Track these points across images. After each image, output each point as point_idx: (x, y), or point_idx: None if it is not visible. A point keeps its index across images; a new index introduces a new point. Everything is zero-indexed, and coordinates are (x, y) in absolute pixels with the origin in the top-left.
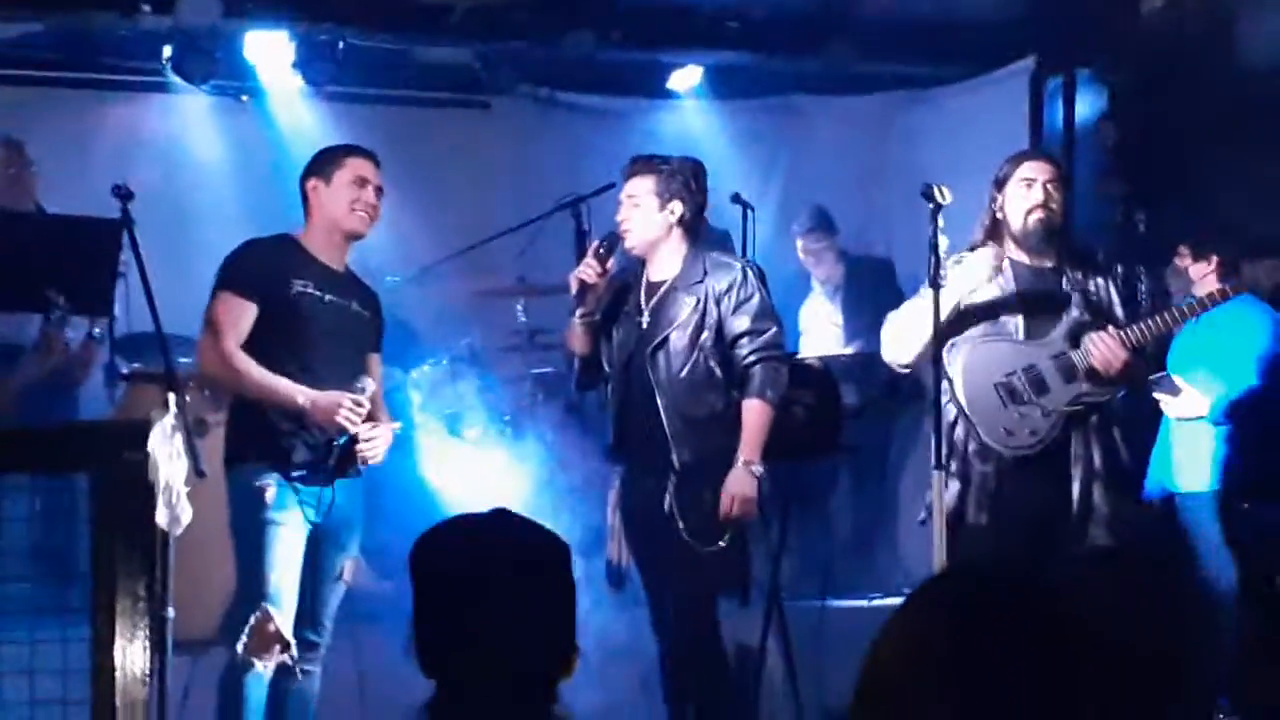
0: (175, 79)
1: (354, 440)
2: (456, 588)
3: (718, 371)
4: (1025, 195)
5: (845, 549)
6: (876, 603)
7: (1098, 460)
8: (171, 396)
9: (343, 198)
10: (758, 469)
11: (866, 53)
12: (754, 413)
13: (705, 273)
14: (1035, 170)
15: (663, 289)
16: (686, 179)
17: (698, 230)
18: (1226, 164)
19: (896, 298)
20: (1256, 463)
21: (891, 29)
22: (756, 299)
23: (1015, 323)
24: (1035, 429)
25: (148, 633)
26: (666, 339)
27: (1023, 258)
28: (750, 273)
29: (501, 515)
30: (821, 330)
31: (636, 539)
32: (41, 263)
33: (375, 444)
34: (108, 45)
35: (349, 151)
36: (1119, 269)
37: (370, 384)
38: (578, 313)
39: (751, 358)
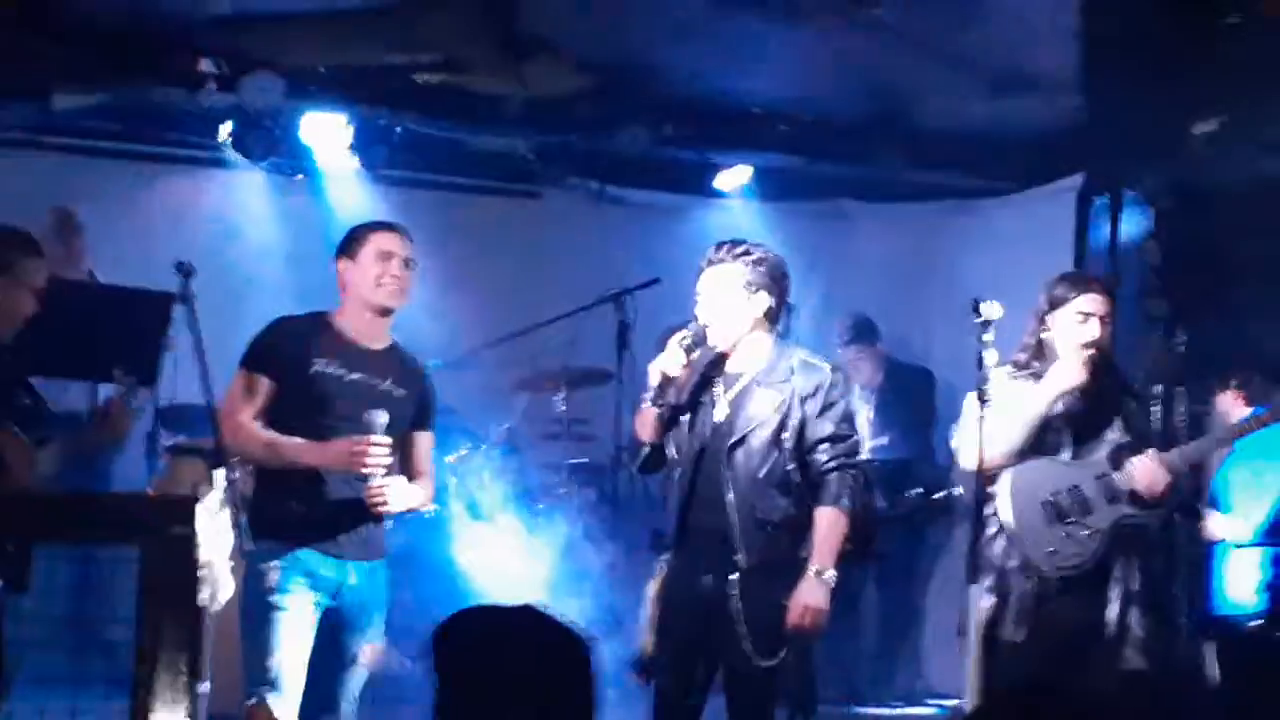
0: (234, 155)
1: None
2: (481, 681)
3: (795, 475)
4: (1080, 329)
5: (870, 656)
6: (899, 711)
7: (1135, 583)
8: (220, 472)
9: (369, 273)
10: (831, 577)
11: (915, 161)
12: (829, 520)
13: (792, 371)
14: (1094, 305)
15: (743, 382)
16: (773, 270)
17: (781, 324)
18: (1267, 290)
19: (933, 407)
20: None
21: (941, 139)
22: (842, 405)
23: (1061, 442)
24: (1081, 549)
25: (186, 706)
26: (746, 436)
27: None
28: (839, 377)
29: (529, 611)
30: (860, 434)
31: (680, 635)
32: (92, 331)
33: (386, 492)
34: (169, 119)
35: (374, 227)
36: (1158, 391)
37: (379, 418)
38: (653, 402)
39: (831, 464)
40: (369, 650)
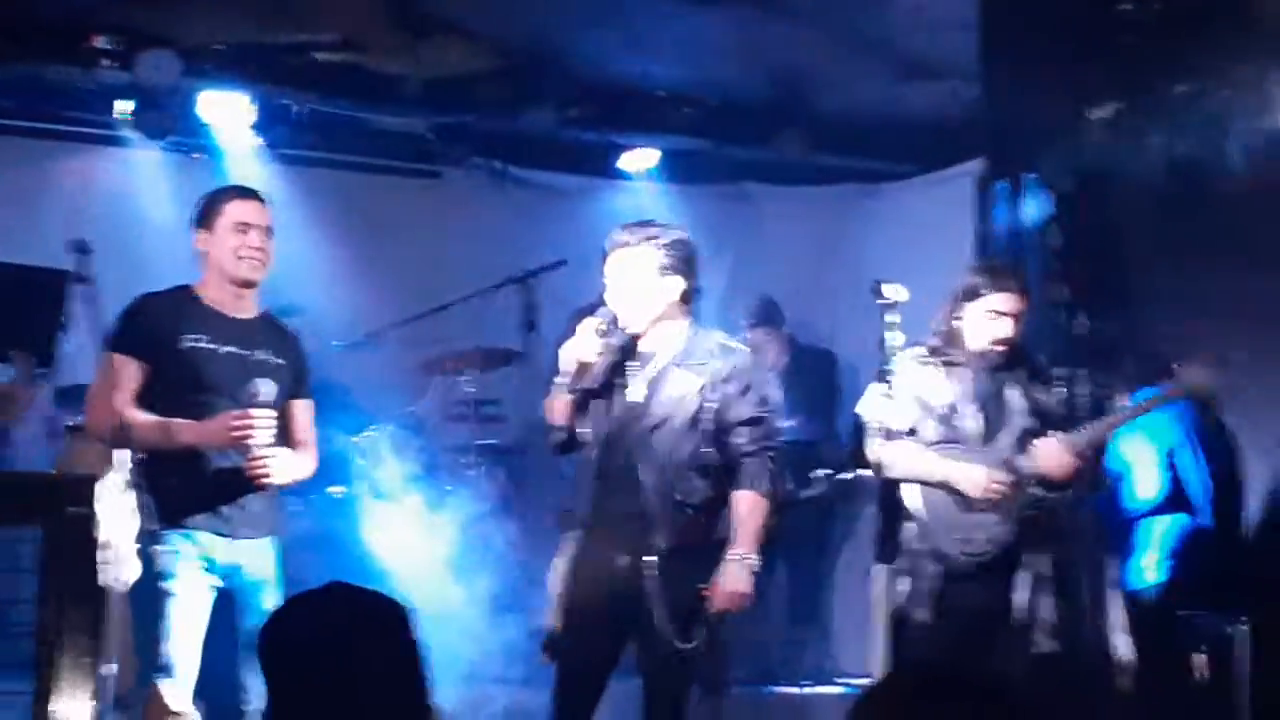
0: (131, 133)
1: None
2: (305, 672)
3: (713, 457)
4: (993, 326)
5: (780, 636)
6: (808, 690)
7: (1045, 566)
8: (123, 452)
9: (227, 246)
10: (755, 563)
11: (819, 145)
12: (748, 505)
13: (711, 354)
14: (1007, 303)
15: (659, 364)
16: (684, 251)
17: (696, 305)
18: (1167, 272)
19: (837, 388)
20: (1193, 567)
21: (844, 124)
22: (761, 388)
23: (969, 429)
24: (991, 535)
25: (90, 688)
26: (666, 419)
27: (975, 364)
28: (757, 360)
29: (336, 588)
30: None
31: (592, 615)
32: None
33: (269, 464)
34: (65, 97)
35: (229, 196)
36: (1061, 374)
37: (263, 387)
38: (567, 388)
39: (750, 448)
40: None
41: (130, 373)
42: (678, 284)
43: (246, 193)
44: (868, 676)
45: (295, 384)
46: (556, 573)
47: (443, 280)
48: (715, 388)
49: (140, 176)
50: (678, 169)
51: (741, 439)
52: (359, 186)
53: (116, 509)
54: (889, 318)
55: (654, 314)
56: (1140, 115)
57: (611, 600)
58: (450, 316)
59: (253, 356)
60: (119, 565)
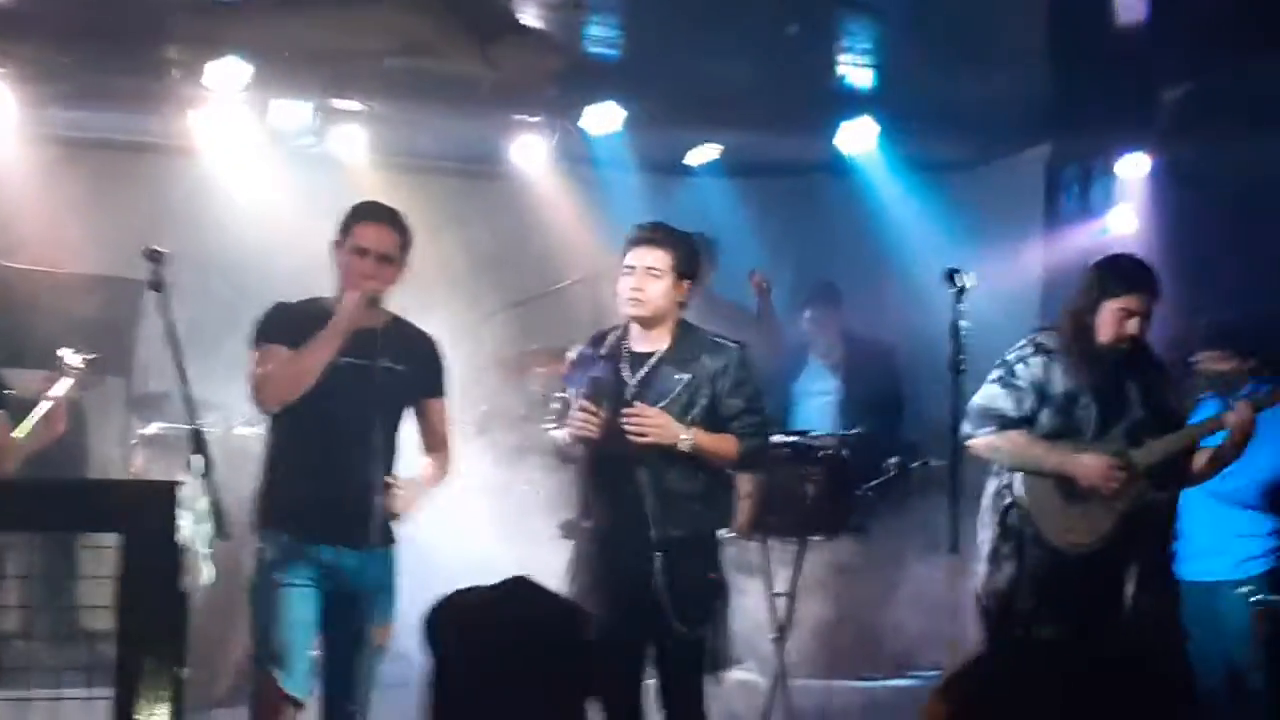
0: (201, 141)
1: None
2: (475, 659)
3: None
4: (1122, 324)
5: (851, 630)
6: (880, 684)
7: (1148, 561)
8: (197, 458)
9: (344, 266)
10: (688, 443)
11: (885, 135)
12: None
13: (701, 350)
14: (1137, 304)
15: (652, 361)
16: (701, 260)
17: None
18: (1243, 256)
19: (897, 379)
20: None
21: (907, 112)
22: (751, 382)
23: (1084, 420)
24: (1095, 527)
25: (171, 693)
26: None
27: (1100, 357)
28: (748, 355)
29: (519, 584)
30: (817, 404)
31: (607, 612)
32: (62, 321)
33: (399, 497)
34: (136, 105)
35: (357, 217)
36: (1173, 366)
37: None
38: (568, 451)
39: (745, 433)
40: (382, 633)
41: (284, 356)
42: (687, 287)
43: (375, 214)
44: (940, 669)
45: (428, 385)
46: (566, 578)
47: (511, 279)
48: (706, 383)
49: (210, 184)
50: (742, 162)
51: (734, 430)
52: (426, 188)
53: (193, 514)
54: (960, 306)
55: (664, 311)
56: (1210, 97)
57: (621, 596)
58: (519, 316)
59: (374, 365)
60: (196, 570)
